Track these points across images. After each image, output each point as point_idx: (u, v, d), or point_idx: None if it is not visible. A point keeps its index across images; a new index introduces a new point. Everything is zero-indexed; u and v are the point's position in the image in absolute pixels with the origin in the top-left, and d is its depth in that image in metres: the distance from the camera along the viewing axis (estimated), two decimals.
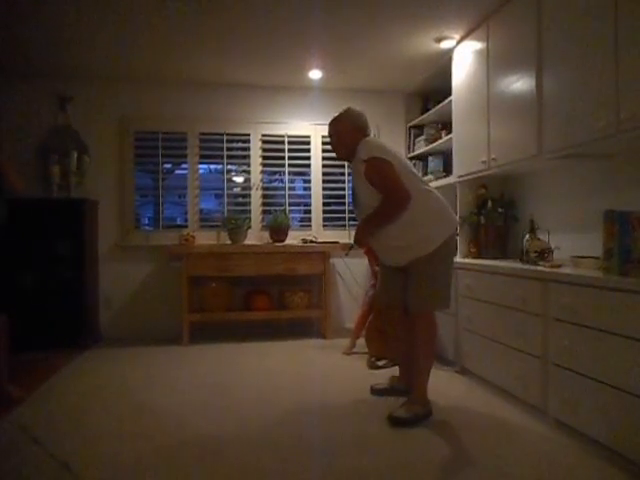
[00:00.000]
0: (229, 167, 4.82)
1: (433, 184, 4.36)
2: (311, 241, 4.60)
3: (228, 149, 4.77)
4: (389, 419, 2.45)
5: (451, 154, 3.88)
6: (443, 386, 3.02)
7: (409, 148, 4.96)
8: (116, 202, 4.62)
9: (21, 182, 2.81)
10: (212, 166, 5.07)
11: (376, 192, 2.49)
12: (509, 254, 3.45)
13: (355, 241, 2.67)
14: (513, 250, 3.40)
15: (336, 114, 2.76)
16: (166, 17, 3.31)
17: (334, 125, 2.73)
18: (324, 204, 4.94)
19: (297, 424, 2.47)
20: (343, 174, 4.96)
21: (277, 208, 4.80)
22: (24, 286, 4.04)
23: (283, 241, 4.58)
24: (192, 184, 4.74)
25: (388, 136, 5.00)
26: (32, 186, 4.35)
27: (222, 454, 2.14)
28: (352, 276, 4.84)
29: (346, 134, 2.67)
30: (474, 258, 3.50)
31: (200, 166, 4.79)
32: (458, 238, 3.73)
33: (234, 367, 3.54)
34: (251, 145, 4.82)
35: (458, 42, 3.71)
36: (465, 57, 3.63)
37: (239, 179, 4.91)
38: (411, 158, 4.87)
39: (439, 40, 3.71)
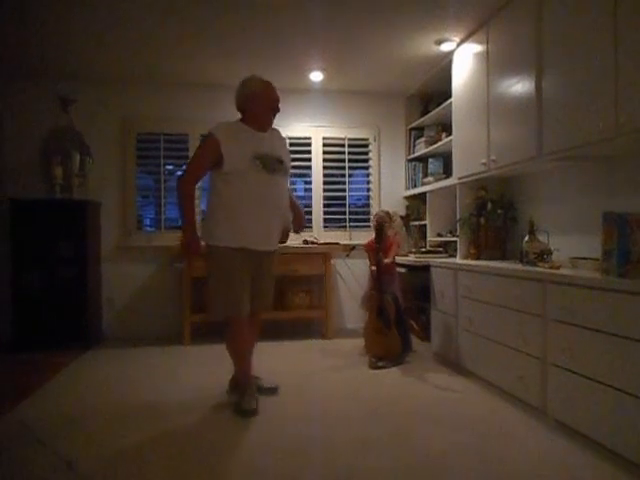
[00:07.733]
0: None
1: (433, 186, 4.39)
2: (312, 242, 4.63)
3: None
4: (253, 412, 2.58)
5: (451, 156, 3.89)
6: (443, 387, 3.05)
7: (409, 150, 4.97)
8: (118, 203, 4.64)
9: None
10: None
11: None
12: (509, 255, 3.47)
13: None
14: (513, 251, 3.41)
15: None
16: (169, 19, 3.34)
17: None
18: (325, 205, 4.96)
19: (298, 424, 2.48)
20: (344, 175, 4.98)
21: None
22: (27, 286, 4.07)
23: (284, 242, 4.58)
24: None
25: (388, 138, 5.03)
26: (35, 187, 4.40)
27: (225, 454, 2.15)
28: (353, 277, 4.87)
29: (242, 104, 2.89)
30: (474, 259, 3.51)
31: None
32: (458, 239, 3.76)
33: None
34: None
35: (458, 44, 3.73)
36: (465, 59, 3.65)
37: None
38: (411, 160, 4.90)
39: (439, 42, 3.73)
